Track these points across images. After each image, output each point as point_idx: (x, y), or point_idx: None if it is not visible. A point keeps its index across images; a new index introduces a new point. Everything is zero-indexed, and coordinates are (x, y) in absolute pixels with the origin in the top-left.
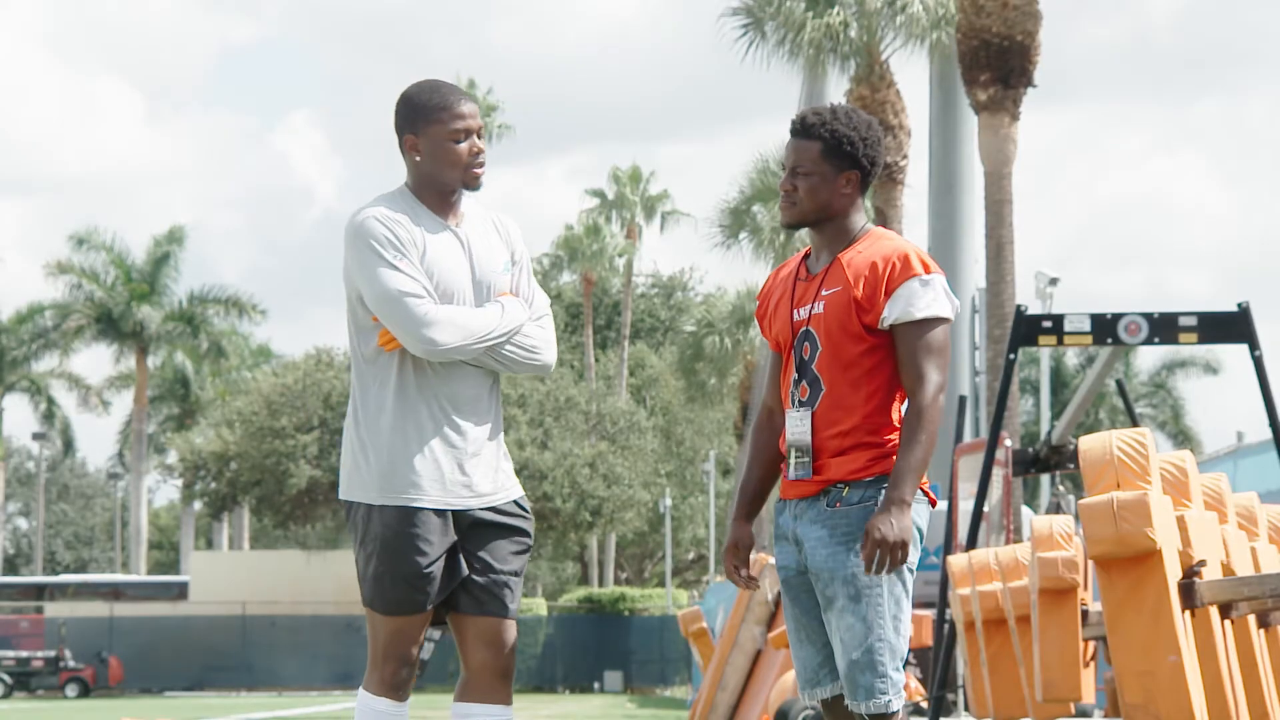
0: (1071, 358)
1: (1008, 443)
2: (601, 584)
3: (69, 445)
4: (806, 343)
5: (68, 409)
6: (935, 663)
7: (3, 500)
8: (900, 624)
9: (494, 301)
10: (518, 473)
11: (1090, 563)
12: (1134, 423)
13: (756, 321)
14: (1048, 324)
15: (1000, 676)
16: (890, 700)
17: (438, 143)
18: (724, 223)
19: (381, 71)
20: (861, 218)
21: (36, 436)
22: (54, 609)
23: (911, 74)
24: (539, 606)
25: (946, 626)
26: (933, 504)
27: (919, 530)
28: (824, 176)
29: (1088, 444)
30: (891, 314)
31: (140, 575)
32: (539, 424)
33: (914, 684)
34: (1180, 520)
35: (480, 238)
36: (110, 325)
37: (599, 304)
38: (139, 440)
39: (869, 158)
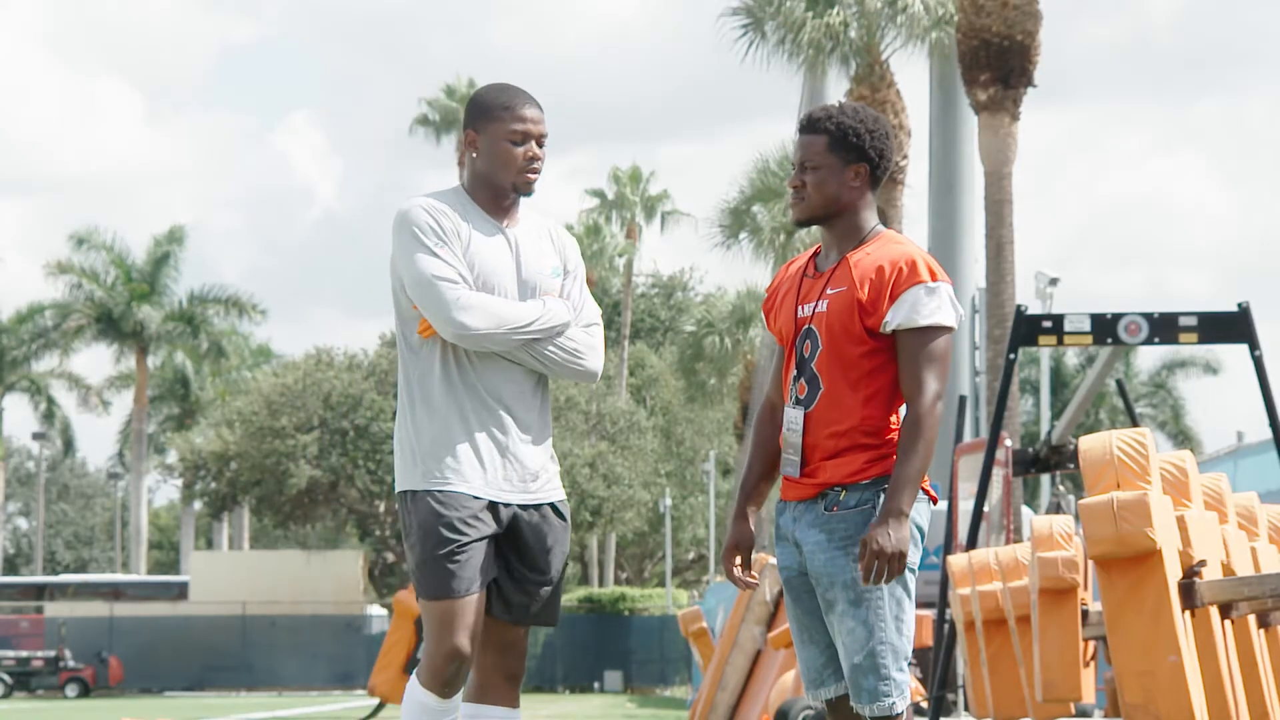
0: (1071, 358)
1: (1008, 443)
2: (601, 584)
3: (69, 445)
4: (808, 340)
5: (68, 409)
6: (935, 663)
7: (3, 500)
8: (903, 625)
9: (537, 299)
10: None
11: (1090, 563)
12: (1134, 423)
13: (763, 315)
14: (1048, 324)
15: (1000, 676)
16: (894, 702)
17: (495, 141)
18: (724, 223)
19: (381, 71)
20: (872, 217)
21: (36, 436)
22: (54, 609)
23: (911, 74)
24: None
25: (946, 626)
26: (934, 502)
27: (920, 529)
28: (831, 169)
29: (1088, 444)
30: (894, 319)
31: (140, 575)
32: None
33: (914, 684)
34: (1180, 520)
35: (531, 242)
36: (110, 325)
37: (599, 304)
38: (139, 440)
39: (876, 150)
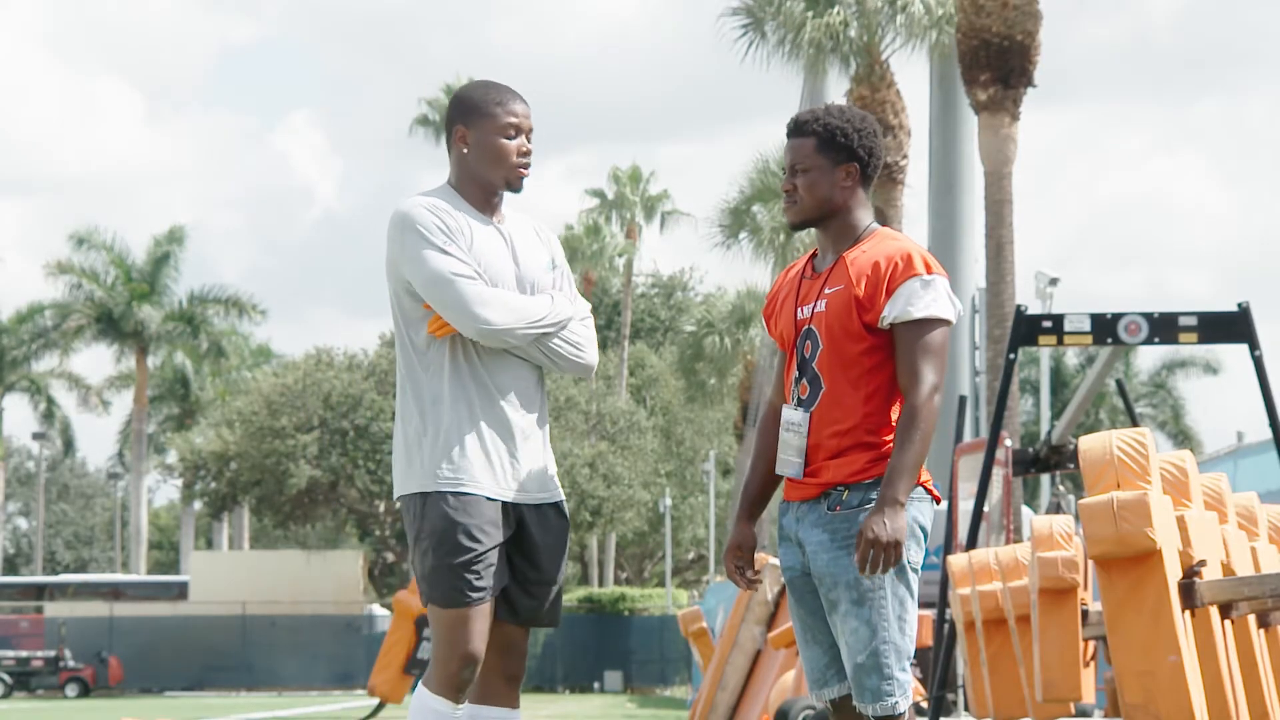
0: (1071, 358)
1: (1008, 443)
2: (601, 584)
3: (69, 445)
4: (808, 341)
5: (68, 409)
6: (935, 663)
7: (3, 500)
8: (906, 624)
9: (542, 294)
10: None
11: (1090, 563)
12: (1134, 423)
13: (764, 320)
14: (1048, 324)
15: (1000, 676)
16: (897, 702)
17: (488, 136)
18: (724, 223)
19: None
20: (867, 215)
21: (36, 436)
22: (54, 609)
23: (911, 74)
24: None
25: (946, 626)
26: (937, 501)
27: (923, 529)
28: (822, 171)
29: (1088, 444)
30: (891, 313)
31: (140, 575)
32: None
33: (914, 684)
34: (1180, 520)
35: (522, 237)
36: (110, 325)
37: (599, 304)
38: (139, 440)
39: (865, 148)
